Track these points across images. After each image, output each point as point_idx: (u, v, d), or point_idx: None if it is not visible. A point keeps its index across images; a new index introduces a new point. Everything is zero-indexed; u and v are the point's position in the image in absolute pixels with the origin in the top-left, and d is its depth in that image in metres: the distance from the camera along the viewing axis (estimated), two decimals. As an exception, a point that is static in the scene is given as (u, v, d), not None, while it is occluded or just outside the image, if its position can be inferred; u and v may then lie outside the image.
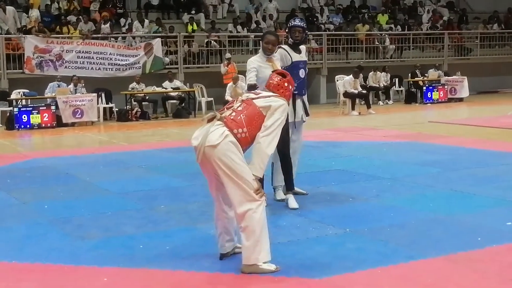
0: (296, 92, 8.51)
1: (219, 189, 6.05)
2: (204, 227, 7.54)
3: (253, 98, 6.05)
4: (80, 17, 24.97)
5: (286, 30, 9.22)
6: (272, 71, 7.13)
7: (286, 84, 6.30)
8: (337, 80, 24.15)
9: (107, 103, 22.71)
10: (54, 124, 19.87)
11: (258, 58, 8.54)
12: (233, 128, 5.79)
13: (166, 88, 22.96)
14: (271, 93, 6.19)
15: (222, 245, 6.37)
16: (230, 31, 26.61)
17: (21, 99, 20.85)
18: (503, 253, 6.50)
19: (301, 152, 9.28)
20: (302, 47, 9.13)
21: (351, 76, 22.37)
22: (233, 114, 5.88)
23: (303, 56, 9.09)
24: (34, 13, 24.18)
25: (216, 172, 5.82)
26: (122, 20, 25.97)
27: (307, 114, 9.08)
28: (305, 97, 9.10)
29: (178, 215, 8.45)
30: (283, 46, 9.07)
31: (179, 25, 26.68)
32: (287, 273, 5.96)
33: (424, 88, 25.74)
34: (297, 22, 9.09)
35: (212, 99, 23.73)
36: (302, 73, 8.97)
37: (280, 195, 8.93)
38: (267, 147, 5.84)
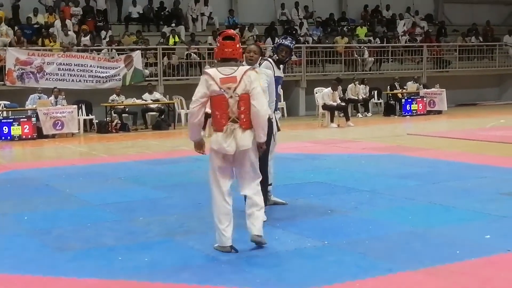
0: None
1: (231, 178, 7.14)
2: (183, 239, 7.56)
3: (236, 88, 6.87)
4: (61, 29, 24.94)
5: (274, 45, 9.19)
6: None
7: (238, 46, 7.08)
8: (316, 93, 24.19)
9: (87, 115, 22.66)
10: (35, 136, 19.78)
11: None
12: (250, 126, 6.92)
13: (146, 100, 22.94)
14: (235, 67, 6.97)
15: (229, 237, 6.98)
16: (210, 44, 26.57)
17: (2, 111, 20.83)
18: (482, 266, 6.52)
19: (273, 162, 9.29)
20: (281, 65, 9.18)
21: (329, 88, 22.41)
22: (242, 116, 6.90)
23: (282, 72, 9.14)
24: (4, 27, 24.19)
25: (243, 163, 7.01)
26: (103, 33, 25.93)
27: (278, 129, 9.12)
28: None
29: (157, 227, 8.43)
30: (269, 59, 9.09)
31: (159, 38, 26.62)
32: (265, 285, 5.98)
33: (403, 100, 25.77)
34: (287, 42, 9.04)
35: (191, 111, 23.57)
36: (279, 89, 9.05)
37: None
38: (263, 111, 6.93)
